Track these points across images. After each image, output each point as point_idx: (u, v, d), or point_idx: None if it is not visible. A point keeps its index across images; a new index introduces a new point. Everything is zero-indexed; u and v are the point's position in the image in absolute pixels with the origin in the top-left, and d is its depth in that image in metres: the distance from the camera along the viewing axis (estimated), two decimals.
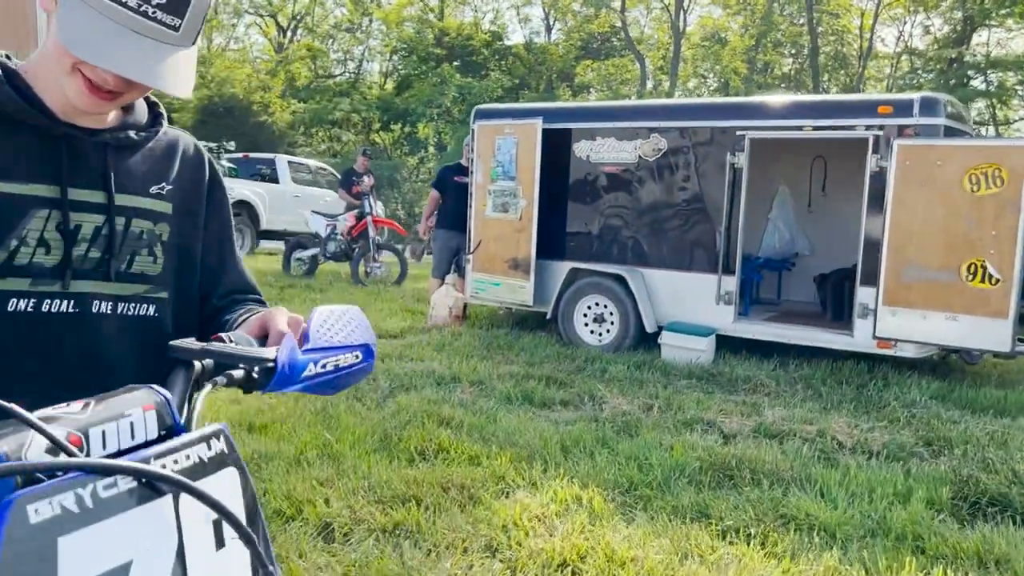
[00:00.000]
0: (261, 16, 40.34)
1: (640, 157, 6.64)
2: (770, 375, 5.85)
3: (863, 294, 5.78)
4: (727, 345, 6.49)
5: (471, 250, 7.40)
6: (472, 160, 7.39)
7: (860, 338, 5.81)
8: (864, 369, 5.99)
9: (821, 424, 4.64)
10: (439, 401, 4.84)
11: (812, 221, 7.78)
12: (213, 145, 15.54)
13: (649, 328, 6.53)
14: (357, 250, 10.48)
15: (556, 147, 6.91)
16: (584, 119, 6.95)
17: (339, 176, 12.84)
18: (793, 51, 36.92)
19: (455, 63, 35.05)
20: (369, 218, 10.31)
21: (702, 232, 6.44)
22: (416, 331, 7.12)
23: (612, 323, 6.68)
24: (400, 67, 38.24)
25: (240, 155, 16.22)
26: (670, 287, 6.57)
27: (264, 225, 14.76)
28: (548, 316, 6.96)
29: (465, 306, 7.74)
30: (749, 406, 5.07)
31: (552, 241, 7.02)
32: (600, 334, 6.74)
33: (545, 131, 6.80)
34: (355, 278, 10.12)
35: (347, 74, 40.64)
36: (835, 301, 6.62)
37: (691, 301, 6.48)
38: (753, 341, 6.38)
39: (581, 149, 6.91)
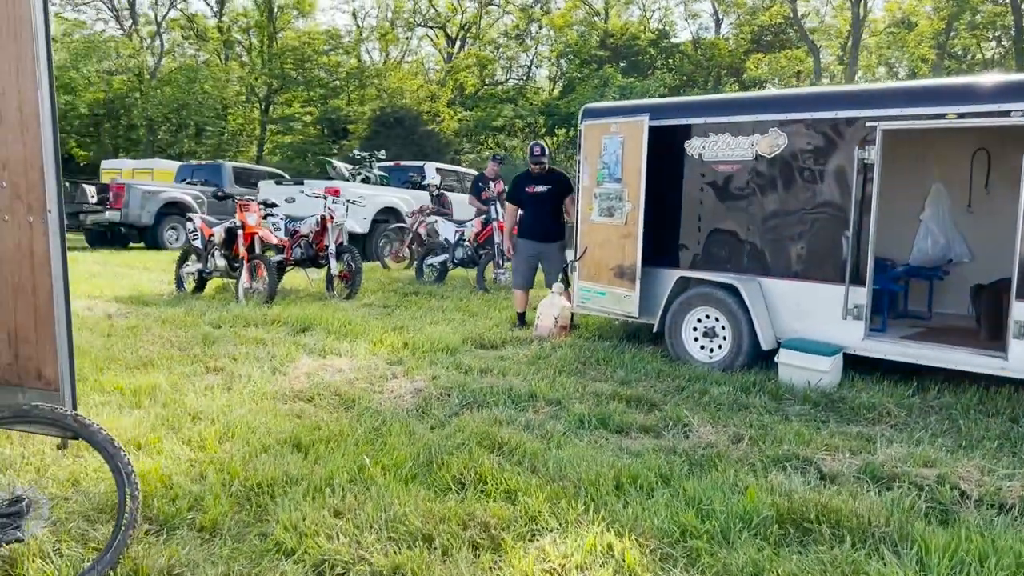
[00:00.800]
0: (431, 28, 41.64)
1: (757, 154, 5.98)
2: (901, 403, 5.04)
3: (1019, 310, 4.85)
4: (860, 366, 5.71)
5: (577, 257, 7.01)
6: (580, 162, 7.00)
7: (1015, 362, 4.88)
8: (1022, 399, 5.04)
9: (945, 467, 3.88)
10: (503, 422, 4.50)
11: (973, 223, 6.74)
12: (365, 154, 16.02)
13: (765, 345, 5.85)
14: (483, 256, 10.34)
15: (665, 146, 6.38)
16: (695, 114, 6.36)
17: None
18: (997, 33, 33.36)
19: (621, 63, 34.56)
20: (495, 224, 10.14)
21: (827, 237, 5.69)
22: (517, 342, 6.81)
23: (724, 338, 6.05)
24: (566, 71, 38.23)
25: (392, 163, 16.63)
26: (790, 299, 5.86)
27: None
28: (655, 329, 6.43)
29: (573, 316, 7.35)
30: (863, 440, 4.35)
31: (660, 247, 6.49)
32: (711, 350, 6.13)
33: (653, 129, 6.28)
34: (479, 284, 9.99)
35: (513, 80, 41.12)
36: (991, 317, 5.65)
37: (814, 315, 5.74)
38: (893, 362, 5.55)
39: (692, 147, 6.33)
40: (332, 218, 9.24)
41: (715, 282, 6.12)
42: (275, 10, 38.31)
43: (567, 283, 7.35)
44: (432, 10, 40.55)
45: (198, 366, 5.63)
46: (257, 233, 8.70)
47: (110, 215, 15.60)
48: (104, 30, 39.29)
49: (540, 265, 7.65)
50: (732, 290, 6.00)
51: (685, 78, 33.88)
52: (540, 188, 7.47)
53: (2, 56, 2.96)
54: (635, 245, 6.41)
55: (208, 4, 40.65)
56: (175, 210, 16.19)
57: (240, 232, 8.66)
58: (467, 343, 6.67)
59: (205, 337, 6.53)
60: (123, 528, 2.84)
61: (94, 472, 3.56)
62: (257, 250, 8.76)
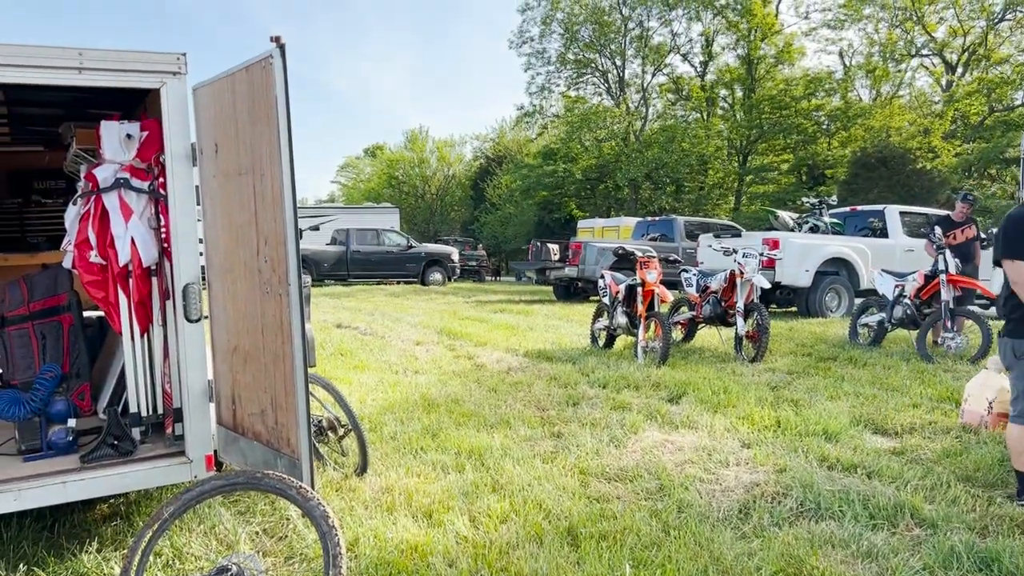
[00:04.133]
0: (924, 56, 37.46)
1: None
2: None
3: None
4: None
5: None
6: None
7: None
8: None
9: None
10: (835, 543, 3.45)
11: None
12: (815, 200, 14.80)
13: None
14: (928, 316, 8.58)
15: None
16: None
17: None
18: None
19: None
20: (943, 277, 8.35)
21: None
22: (927, 430, 5.37)
23: None
24: None
25: (847, 209, 15.08)
26: None
27: (864, 284, 13.38)
28: None
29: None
30: None
31: None
32: None
33: None
34: (921, 351, 8.23)
35: None
36: None
37: None
38: None
39: None
40: (742, 274, 8.56)
41: None
42: (754, 61, 38.28)
43: None
44: (927, 36, 36.50)
45: (543, 430, 5.52)
46: (655, 290, 8.45)
47: (568, 271, 16.88)
48: (600, 102, 43.41)
49: None
50: None
51: None
52: None
53: (263, 139, 3.17)
54: None
55: (692, 65, 42.06)
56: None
57: (639, 289, 8.50)
58: (858, 426, 5.46)
59: (572, 398, 6.43)
60: None
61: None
62: (656, 308, 8.50)
